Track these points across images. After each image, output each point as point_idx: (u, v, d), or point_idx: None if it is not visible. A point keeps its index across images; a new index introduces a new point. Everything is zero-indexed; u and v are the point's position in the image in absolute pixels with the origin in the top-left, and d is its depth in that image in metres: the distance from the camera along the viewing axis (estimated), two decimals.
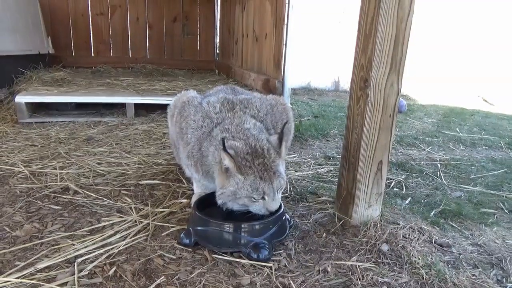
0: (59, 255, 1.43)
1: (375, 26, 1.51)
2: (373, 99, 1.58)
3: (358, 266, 1.45)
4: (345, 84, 6.80)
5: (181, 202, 1.92)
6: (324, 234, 1.67)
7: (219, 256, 1.47)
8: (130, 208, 1.84)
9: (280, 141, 1.54)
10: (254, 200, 1.47)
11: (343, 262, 1.47)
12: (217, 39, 6.65)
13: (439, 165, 2.78)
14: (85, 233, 1.61)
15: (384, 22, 1.50)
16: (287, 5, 3.34)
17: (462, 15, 6.88)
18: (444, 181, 2.47)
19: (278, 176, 1.49)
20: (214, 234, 1.50)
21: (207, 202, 1.66)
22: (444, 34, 6.92)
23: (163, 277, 1.34)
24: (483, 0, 6.84)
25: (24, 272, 1.32)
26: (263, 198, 1.47)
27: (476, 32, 6.96)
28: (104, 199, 1.93)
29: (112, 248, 1.49)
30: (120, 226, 1.66)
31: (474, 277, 1.42)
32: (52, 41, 5.56)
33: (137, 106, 3.72)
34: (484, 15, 6.89)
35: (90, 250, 1.47)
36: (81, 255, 1.43)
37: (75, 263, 1.38)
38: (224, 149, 1.43)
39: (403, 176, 2.50)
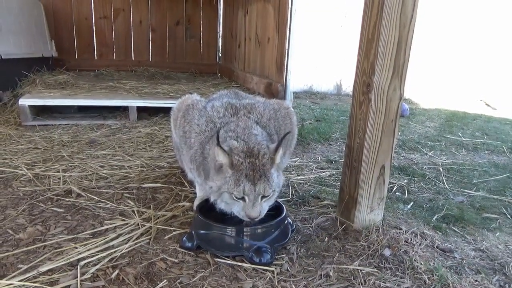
0: (62, 258, 1.43)
1: (377, 30, 1.52)
2: (375, 103, 1.58)
3: (360, 270, 1.44)
4: (347, 87, 6.80)
5: (184, 206, 1.92)
6: (326, 239, 1.67)
7: (221, 260, 1.47)
8: (133, 211, 1.85)
9: (277, 148, 1.49)
10: (235, 199, 1.43)
11: (345, 267, 1.47)
12: (220, 43, 6.68)
13: (441, 169, 2.78)
14: (88, 236, 1.61)
15: (387, 27, 1.50)
16: (290, 9, 3.35)
17: (465, 19, 6.89)
18: (447, 186, 2.46)
19: (264, 181, 1.42)
20: (216, 238, 1.50)
21: (210, 205, 1.66)
22: (446, 38, 6.92)
23: (165, 280, 1.34)
24: (485, 4, 6.84)
25: (27, 275, 1.32)
26: (243, 198, 1.42)
27: (478, 36, 6.96)
28: (107, 202, 1.93)
29: (114, 251, 1.49)
30: (122, 229, 1.66)
31: (477, 282, 1.42)
32: (56, 44, 5.60)
33: (140, 109, 3.74)
34: (487, 19, 6.89)
35: (92, 253, 1.48)
36: (83, 258, 1.44)
37: (78, 266, 1.38)
38: (218, 143, 1.41)
39: (405, 181, 2.49)
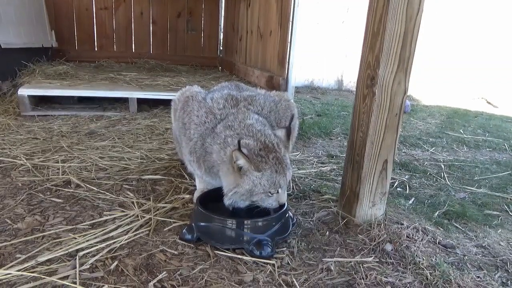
0: (60, 249, 1.42)
1: (383, 24, 1.49)
2: (379, 97, 1.56)
3: (362, 265, 1.43)
4: (349, 83, 6.78)
5: (183, 198, 1.91)
6: (327, 233, 1.66)
7: (221, 253, 1.46)
8: (132, 202, 1.83)
9: (288, 135, 1.56)
10: (270, 195, 1.48)
11: (347, 260, 1.46)
12: (221, 36, 6.63)
13: (442, 166, 2.77)
14: (87, 227, 1.60)
15: (393, 20, 1.48)
16: (292, 2, 3.32)
17: (467, 16, 6.85)
18: (448, 182, 2.45)
19: (289, 168, 1.52)
20: (216, 230, 1.49)
21: (210, 198, 1.65)
22: (448, 35, 6.88)
23: (164, 272, 1.32)
24: (487, 1, 6.80)
25: (25, 265, 1.31)
26: (277, 191, 1.49)
27: (481, 34, 6.93)
28: (106, 193, 1.92)
29: (113, 243, 1.48)
30: (122, 221, 1.65)
31: (479, 279, 1.41)
32: (56, 35, 5.56)
33: (140, 101, 3.71)
34: (490, 16, 6.85)
35: (91, 244, 1.46)
36: (82, 249, 1.42)
37: (77, 256, 1.37)
38: (239, 149, 1.40)
39: (406, 176, 2.48)
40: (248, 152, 1.43)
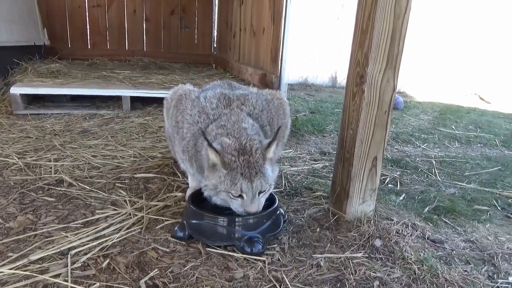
0: (52, 247, 1.42)
1: (372, 21, 1.51)
2: (368, 95, 1.58)
3: (351, 261, 1.45)
4: (343, 80, 6.80)
5: (176, 196, 1.92)
6: (318, 229, 1.68)
7: (213, 250, 1.47)
8: (125, 201, 1.84)
9: (269, 144, 1.49)
10: (232, 197, 1.44)
11: (336, 256, 1.48)
12: (215, 33, 6.62)
13: (434, 162, 2.79)
14: (79, 225, 1.61)
15: (381, 18, 1.50)
16: None
17: (460, 13, 6.88)
18: (439, 178, 2.48)
19: (261, 177, 1.43)
20: (208, 228, 1.50)
21: (202, 196, 1.66)
22: (441, 31, 6.92)
23: (156, 269, 1.34)
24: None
25: (17, 264, 1.32)
26: (241, 196, 1.44)
27: (474, 30, 6.96)
28: (99, 191, 1.92)
29: (105, 241, 1.49)
30: (114, 219, 1.66)
31: (466, 273, 1.43)
32: (48, 33, 5.52)
33: (133, 99, 3.71)
34: (482, 12, 6.89)
35: (83, 242, 1.47)
36: (74, 247, 1.43)
37: (69, 255, 1.37)
38: (210, 144, 1.42)
39: (398, 173, 2.51)
40: (220, 149, 1.44)
